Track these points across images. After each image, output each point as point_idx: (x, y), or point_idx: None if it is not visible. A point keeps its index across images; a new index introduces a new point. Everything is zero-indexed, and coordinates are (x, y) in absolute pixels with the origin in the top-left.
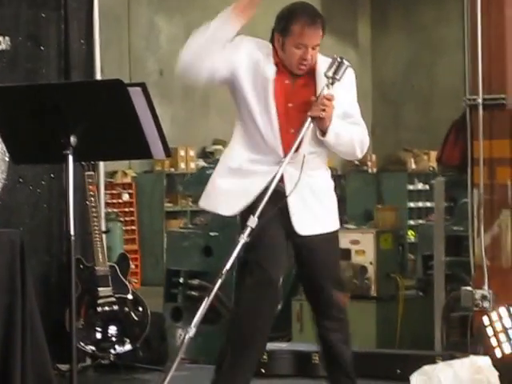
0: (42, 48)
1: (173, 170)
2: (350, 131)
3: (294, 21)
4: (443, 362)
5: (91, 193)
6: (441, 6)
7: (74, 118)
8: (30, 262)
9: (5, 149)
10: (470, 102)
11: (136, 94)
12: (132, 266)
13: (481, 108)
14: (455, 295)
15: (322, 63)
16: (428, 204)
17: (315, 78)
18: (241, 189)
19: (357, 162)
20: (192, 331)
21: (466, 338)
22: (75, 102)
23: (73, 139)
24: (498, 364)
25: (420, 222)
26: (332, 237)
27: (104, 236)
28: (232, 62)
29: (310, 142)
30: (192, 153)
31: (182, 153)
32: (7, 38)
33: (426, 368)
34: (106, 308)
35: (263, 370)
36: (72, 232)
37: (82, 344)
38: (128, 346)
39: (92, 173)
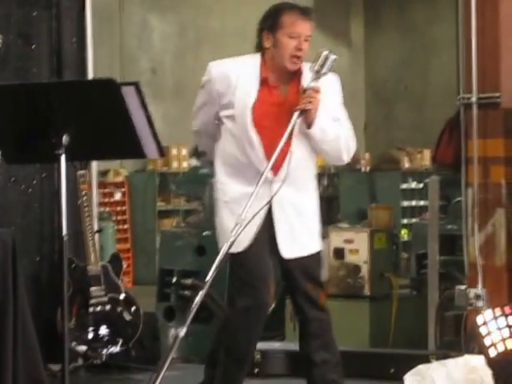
0: (33, 47)
1: (165, 168)
2: (337, 131)
3: (284, 13)
4: (437, 361)
5: (83, 192)
6: (434, 5)
7: (66, 117)
8: (22, 262)
9: None
10: (464, 100)
11: (129, 93)
12: (124, 266)
13: (475, 107)
14: (449, 294)
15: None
16: (421, 203)
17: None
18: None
19: (349, 161)
20: (182, 331)
21: (459, 337)
22: (68, 101)
23: (65, 139)
24: (491, 363)
25: (413, 220)
26: (314, 258)
27: (96, 235)
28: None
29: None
30: (184, 152)
31: (175, 152)
32: None
33: (420, 367)
34: (98, 308)
35: (257, 370)
36: (65, 232)
37: (73, 344)
38: (120, 346)
39: (84, 172)
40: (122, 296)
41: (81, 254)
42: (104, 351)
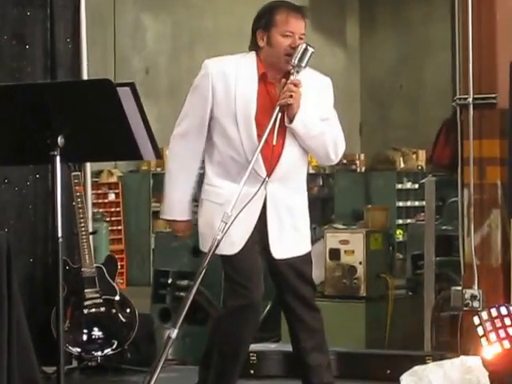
0: (27, 47)
1: (159, 169)
2: (322, 128)
3: (277, 12)
4: (433, 362)
5: (78, 193)
6: (429, 5)
7: (61, 118)
8: (15, 264)
9: None
10: (460, 101)
11: (125, 94)
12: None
13: (471, 107)
14: (445, 295)
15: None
16: (416, 203)
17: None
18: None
19: (345, 161)
20: (174, 333)
21: (456, 337)
22: (63, 101)
23: (60, 140)
24: (488, 364)
25: (408, 221)
26: (305, 258)
27: (90, 237)
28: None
29: (290, 152)
30: None
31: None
32: None
33: (416, 368)
34: (93, 310)
35: (252, 371)
36: (59, 233)
37: (68, 346)
38: (115, 348)
39: (78, 173)
40: (116, 298)
41: (75, 256)
42: (99, 353)
